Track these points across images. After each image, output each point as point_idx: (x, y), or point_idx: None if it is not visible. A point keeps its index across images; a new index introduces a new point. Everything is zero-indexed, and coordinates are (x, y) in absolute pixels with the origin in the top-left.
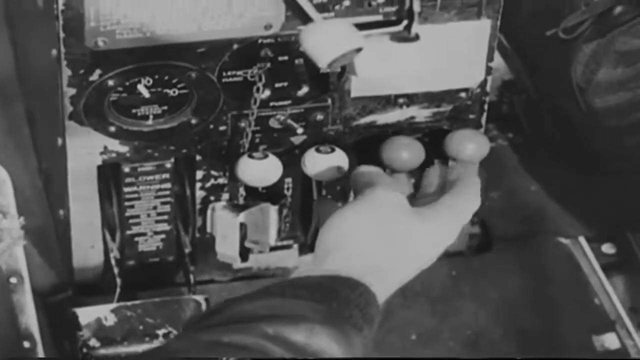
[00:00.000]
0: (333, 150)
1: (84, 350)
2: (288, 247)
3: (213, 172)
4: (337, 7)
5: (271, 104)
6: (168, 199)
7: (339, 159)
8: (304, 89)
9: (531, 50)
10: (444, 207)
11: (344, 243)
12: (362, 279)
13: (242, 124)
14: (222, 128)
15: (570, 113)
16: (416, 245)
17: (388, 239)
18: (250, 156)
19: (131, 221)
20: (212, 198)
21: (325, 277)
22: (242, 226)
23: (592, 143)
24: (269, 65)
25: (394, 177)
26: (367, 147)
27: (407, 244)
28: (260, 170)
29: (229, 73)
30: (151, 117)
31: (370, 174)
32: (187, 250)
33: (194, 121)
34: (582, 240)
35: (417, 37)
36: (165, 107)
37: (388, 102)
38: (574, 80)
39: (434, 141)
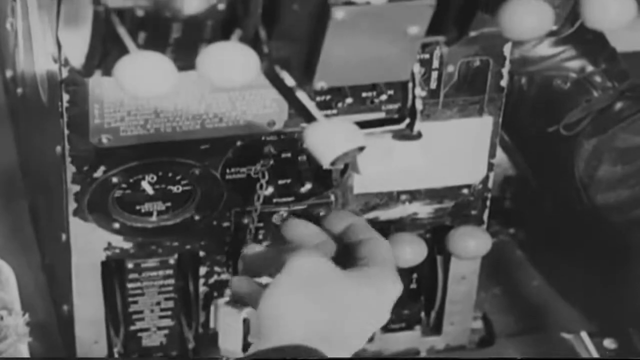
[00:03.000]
0: None
1: None
2: None
3: (216, 268)
4: (339, 104)
5: (274, 200)
6: (171, 295)
7: None
8: (307, 186)
9: (533, 147)
10: (376, 260)
11: (286, 320)
12: (321, 349)
13: (246, 221)
14: (225, 224)
15: (573, 208)
16: (357, 306)
17: (327, 306)
18: None
19: (135, 316)
20: (215, 294)
21: (279, 349)
22: (245, 322)
23: (595, 238)
24: (272, 162)
25: (321, 235)
26: None
27: (347, 307)
28: None
29: (232, 170)
30: (155, 213)
31: (299, 231)
32: (190, 346)
33: (197, 217)
34: (584, 335)
35: (419, 135)
36: (169, 204)
37: (391, 198)
38: (577, 176)
39: (436, 237)
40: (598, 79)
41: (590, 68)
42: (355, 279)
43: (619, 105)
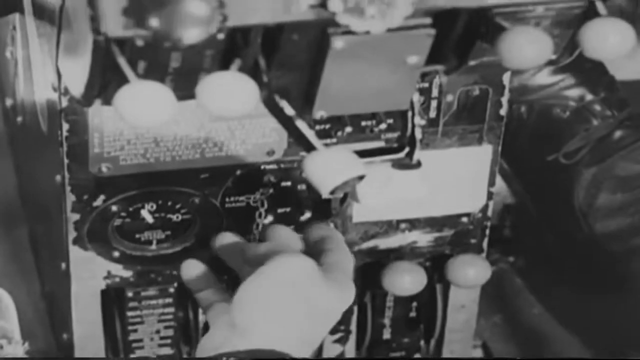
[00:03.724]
0: None
1: None
2: None
3: None
4: (339, 133)
5: None
6: (171, 323)
7: None
8: (307, 215)
9: (533, 175)
10: (338, 268)
11: (266, 317)
12: (292, 352)
13: None
14: None
15: (573, 237)
16: (331, 309)
17: (309, 308)
18: None
19: (134, 345)
20: None
21: (255, 352)
22: None
23: (595, 267)
24: (271, 190)
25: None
26: (369, 272)
27: (324, 309)
28: None
29: (231, 198)
30: (154, 242)
31: (279, 235)
32: None
33: (196, 246)
34: None
35: (419, 164)
36: (169, 232)
37: (390, 227)
38: (576, 204)
39: (435, 266)
40: (597, 107)
41: (589, 97)
42: (329, 282)
43: (618, 133)
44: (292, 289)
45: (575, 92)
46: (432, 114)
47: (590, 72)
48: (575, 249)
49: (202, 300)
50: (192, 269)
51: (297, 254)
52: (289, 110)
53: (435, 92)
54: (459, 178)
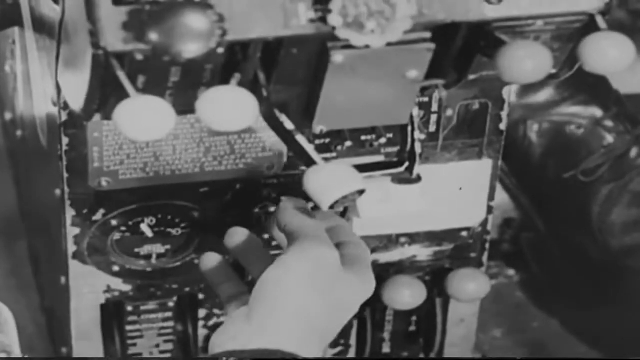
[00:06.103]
0: None
1: None
2: None
3: (216, 311)
4: (339, 147)
5: (273, 243)
6: (171, 337)
7: None
8: None
9: (544, 191)
10: (358, 260)
11: (284, 311)
12: (306, 347)
13: None
14: None
15: (585, 251)
16: (351, 304)
17: (329, 301)
18: None
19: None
20: None
21: (264, 352)
22: None
23: (607, 281)
24: (271, 205)
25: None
26: None
27: (343, 303)
28: None
29: (231, 213)
30: (154, 256)
31: (301, 215)
32: None
33: (196, 260)
34: None
35: (418, 179)
36: (169, 247)
37: (390, 241)
38: (593, 221)
39: (435, 280)
40: (610, 123)
41: (601, 113)
42: (349, 275)
43: (634, 151)
44: (314, 281)
45: (586, 109)
46: (432, 128)
47: (596, 87)
48: (587, 263)
49: (221, 293)
50: (211, 261)
51: (322, 243)
52: (289, 125)
53: (435, 107)
54: (458, 192)
